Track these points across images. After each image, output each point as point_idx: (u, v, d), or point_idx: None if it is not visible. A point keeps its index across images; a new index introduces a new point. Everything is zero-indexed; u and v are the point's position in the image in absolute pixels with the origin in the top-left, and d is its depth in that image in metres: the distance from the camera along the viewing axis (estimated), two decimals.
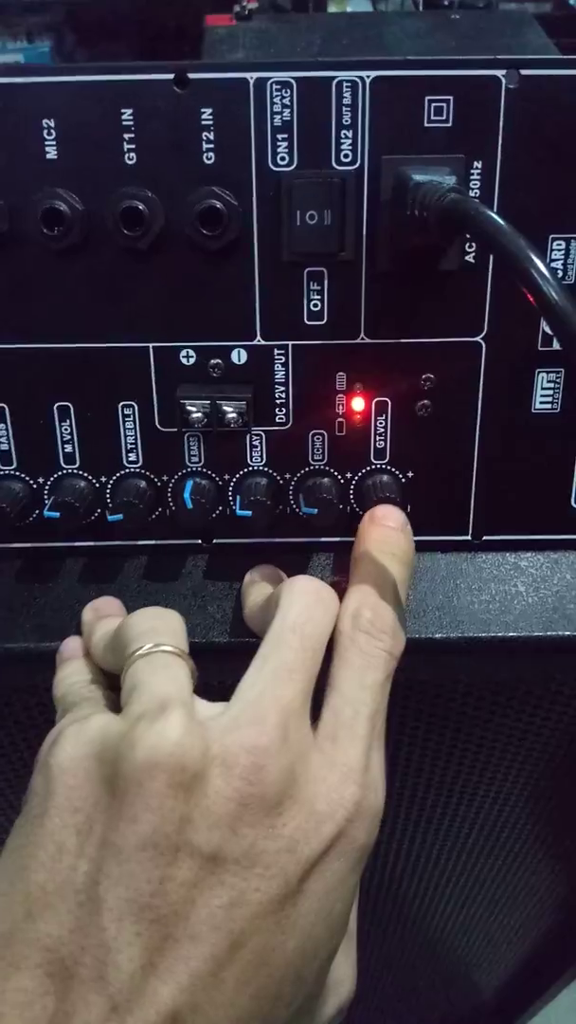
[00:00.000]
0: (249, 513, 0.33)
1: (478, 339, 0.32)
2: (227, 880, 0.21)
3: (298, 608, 0.27)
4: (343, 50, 0.41)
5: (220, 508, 0.34)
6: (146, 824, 0.21)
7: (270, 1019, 0.22)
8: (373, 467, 0.34)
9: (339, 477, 0.34)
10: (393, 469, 0.34)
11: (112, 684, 0.30)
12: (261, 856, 0.22)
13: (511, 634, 0.33)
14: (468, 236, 0.29)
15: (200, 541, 0.35)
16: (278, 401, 0.33)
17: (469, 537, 0.35)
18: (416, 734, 0.39)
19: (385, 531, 0.31)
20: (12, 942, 0.21)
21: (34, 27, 0.79)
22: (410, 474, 0.34)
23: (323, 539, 0.35)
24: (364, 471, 0.34)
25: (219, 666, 0.30)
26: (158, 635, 0.27)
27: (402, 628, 0.28)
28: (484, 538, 0.35)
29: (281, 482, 0.34)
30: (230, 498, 0.34)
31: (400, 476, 0.34)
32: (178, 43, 0.81)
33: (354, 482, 0.34)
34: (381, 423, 0.33)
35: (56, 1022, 0.20)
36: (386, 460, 0.34)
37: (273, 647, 0.26)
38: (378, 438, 0.33)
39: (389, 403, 0.33)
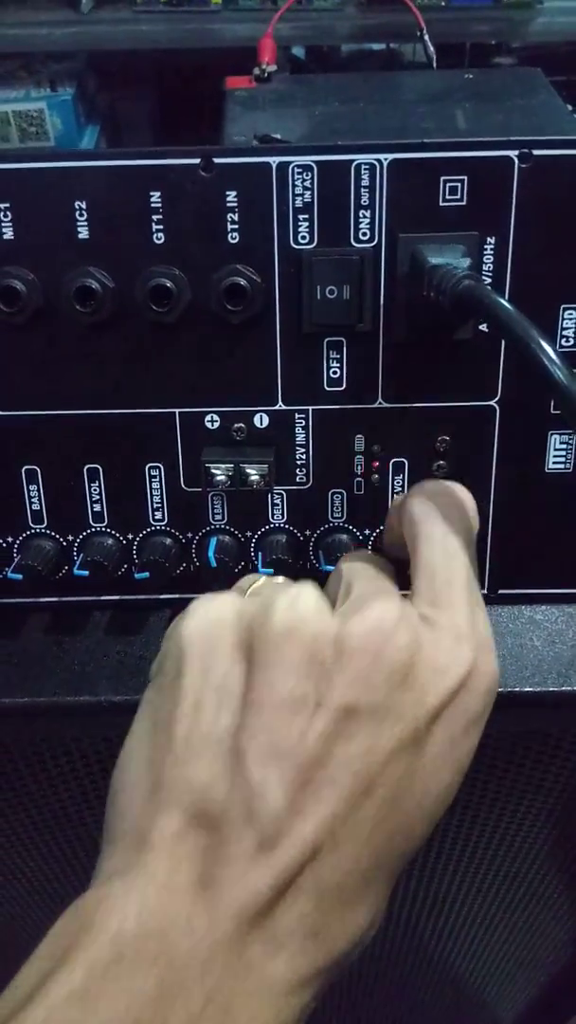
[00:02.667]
0: (271, 571, 0.34)
1: (492, 403, 0.33)
2: (362, 730, 0.23)
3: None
4: (360, 115, 0.42)
5: (242, 563, 0.35)
6: (284, 685, 0.23)
7: (405, 854, 0.24)
8: None
9: (357, 534, 0.35)
10: None
11: None
12: (394, 707, 0.23)
13: (527, 688, 0.34)
14: (480, 319, 0.31)
15: None
16: (299, 462, 0.34)
17: (485, 591, 0.36)
18: None
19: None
20: (162, 786, 0.23)
21: (57, 75, 0.81)
22: None
23: None
24: (382, 528, 0.35)
25: None
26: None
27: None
28: (500, 592, 0.36)
29: (301, 539, 0.35)
30: (252, 554, 0.35)
31: None
32: (198, 95, 0.83)
33: (372, 539, 0.35)
34: (398, 482, 0.34)
35: (209, 854, 0.22)
36: None
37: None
38: (395, 497, 0.35)
39: (406, 463, 0.34)
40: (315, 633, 0.24)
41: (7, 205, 0.30)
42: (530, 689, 0.34)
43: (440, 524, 0.28)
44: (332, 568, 0.34)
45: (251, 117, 0.43)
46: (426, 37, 0.53)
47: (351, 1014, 0.71)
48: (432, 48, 0.52)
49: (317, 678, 0.23)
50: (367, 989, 0.68)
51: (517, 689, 0.34)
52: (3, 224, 0.30)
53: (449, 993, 0.70)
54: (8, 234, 0.31)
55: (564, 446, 0.34)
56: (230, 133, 0.42)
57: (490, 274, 0.31)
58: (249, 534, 0.35)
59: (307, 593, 0.25)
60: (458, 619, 0.25)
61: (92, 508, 0.35)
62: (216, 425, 0.34)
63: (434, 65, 0.53)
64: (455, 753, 0.24)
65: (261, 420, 0.34)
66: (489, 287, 0.28)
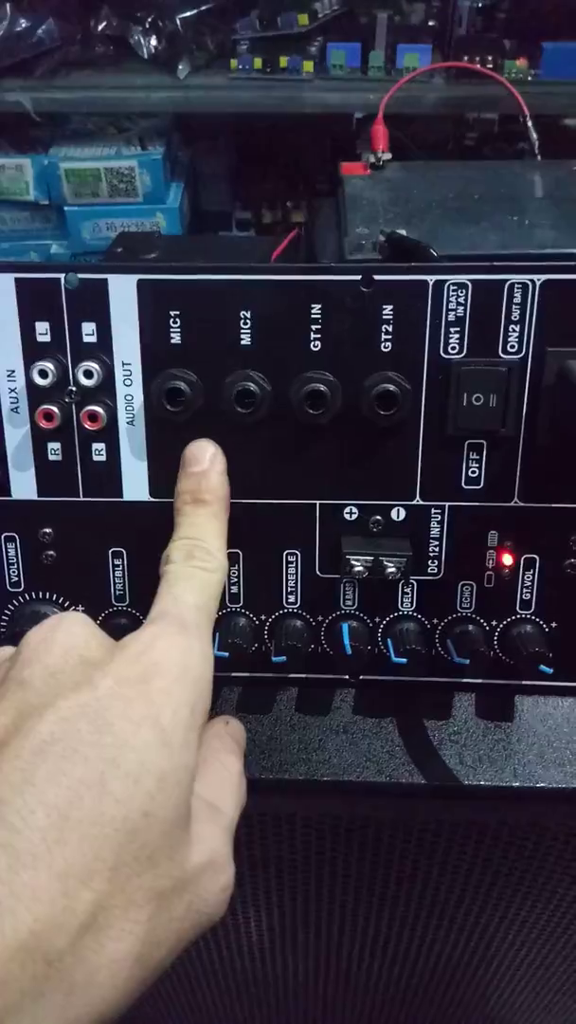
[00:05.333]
0: (405, 660, 0.35)
1: None
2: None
3: None
4: (476, 207, 0.44)
5: (370, 648, 0.37)
6: None
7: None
8: (518, 617, 0.36)
9: (485, 625, 0.36)
10: (537, 619, 0.36)
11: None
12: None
13: None
14: None
15: (348, 677, 0.38)
16: (431, 554, 0.36)
17: None
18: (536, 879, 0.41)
19: (193, 479, 0.32)
20: None
21: (145, 132, 0.84)
22: (554, 624, 0.36)
23: (466, 680, 0.37)
24: (509, 620, 0.36)
25: (371, 802, 0.32)
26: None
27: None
28: None
29: (429, 627, 0.37)
30: (379, 640, 0.37)
31: (544, 626, 0.36)
32: (275, 153, 0.86)
33: (499, 630, 0.36)
34: (528, 577, 0.36)
35: None
36: (531, 611, 0.36)
37: None
38: (524, 591, 0.36)
39: (537, 560, 0.35)
40: None
41: (176, 312, 0.32)
42: None
43: None
44: (465, 662, 0.35)
45: (371, 209, 0.45)
46: (529, 123, 0.55)
47: None
48: (535, 135, 0.54)
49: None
50: None
51: None
52: (171, 330, 0.32)
53: None
54: (176, 339, 0.32)
55: None
56: (353, 225, 0.44)
57: None
58: (378, 620, 0.37)
59: None
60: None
61: (229, 590, 0.36)
62: (354, 517, 0.35)
63: (536, 149, 0.54)
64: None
65: (398, 514, 0.35)
66: None
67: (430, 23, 0.75)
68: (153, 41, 0.78)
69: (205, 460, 0.33)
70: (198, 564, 0.30)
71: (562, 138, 0.80)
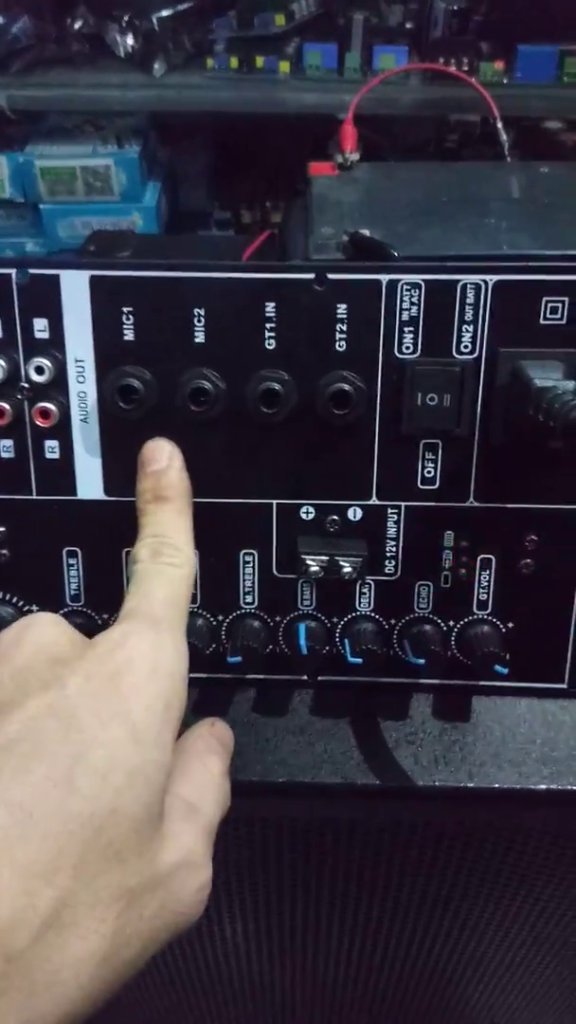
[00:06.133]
0: (360, 661, 0.35)
1: None
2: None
3: None
4: (443, 208, 0.44)
5: (328, 648, 0.37)
6: None
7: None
8: (475, 617, 0.36)
9: (442, 625, 0.36)
10: (494, 619, 0.36)
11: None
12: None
13: None
14: None
15: (306, 677, 0.38)
16: (388, 554, 0.35)
17: (565, 685, 0.37)
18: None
19: (152, 477, 0.32)
20: None
21: (122, 131, 0.84)
22: (510, 624, 0.36)
23: (423, 680, 0.37)
24: (466, 620, 0.36)
25: (327, 804, 0.32)
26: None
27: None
28: None
29: (387, 627, 0.36)
30: (337, 640, 0.37)
31: (500, 626, 0.36)
32: (253, 152, 0.86)
33: (456, 630, 0.36)
34: (485, 577, 0.36)
35: None
36: (488, 611, 0.36)
37: None
38: (481, 591, 0.36)
39: (493, 560, 0.35)
40: None
41: (130, 309, 0.32)
42: None
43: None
44: (420, 662, 0.35)
45: (338, 209, 0.45)
46: (499, 125, 0.55)
47: None
48: (505, 136, 0.54)
49: None
50: None
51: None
52: (125, 327, 0.32)
53: None
54: (129, 336, 0.32)
55: None
56: (319, 225, 0.44)
57: None
58: (336, 620, 0.37)
59: None
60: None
61: None
62: (311, 516, 0.35)
63: (506, 151, 0.54)
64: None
65: (355, 513, 0.35)
66: None
67: (407, 25, 0.75)
68: (129, 39, 0.78)
69: (163, 458, 0.32)
70: (166, 560, 0.29)
71: (541, 140, 0.81)
